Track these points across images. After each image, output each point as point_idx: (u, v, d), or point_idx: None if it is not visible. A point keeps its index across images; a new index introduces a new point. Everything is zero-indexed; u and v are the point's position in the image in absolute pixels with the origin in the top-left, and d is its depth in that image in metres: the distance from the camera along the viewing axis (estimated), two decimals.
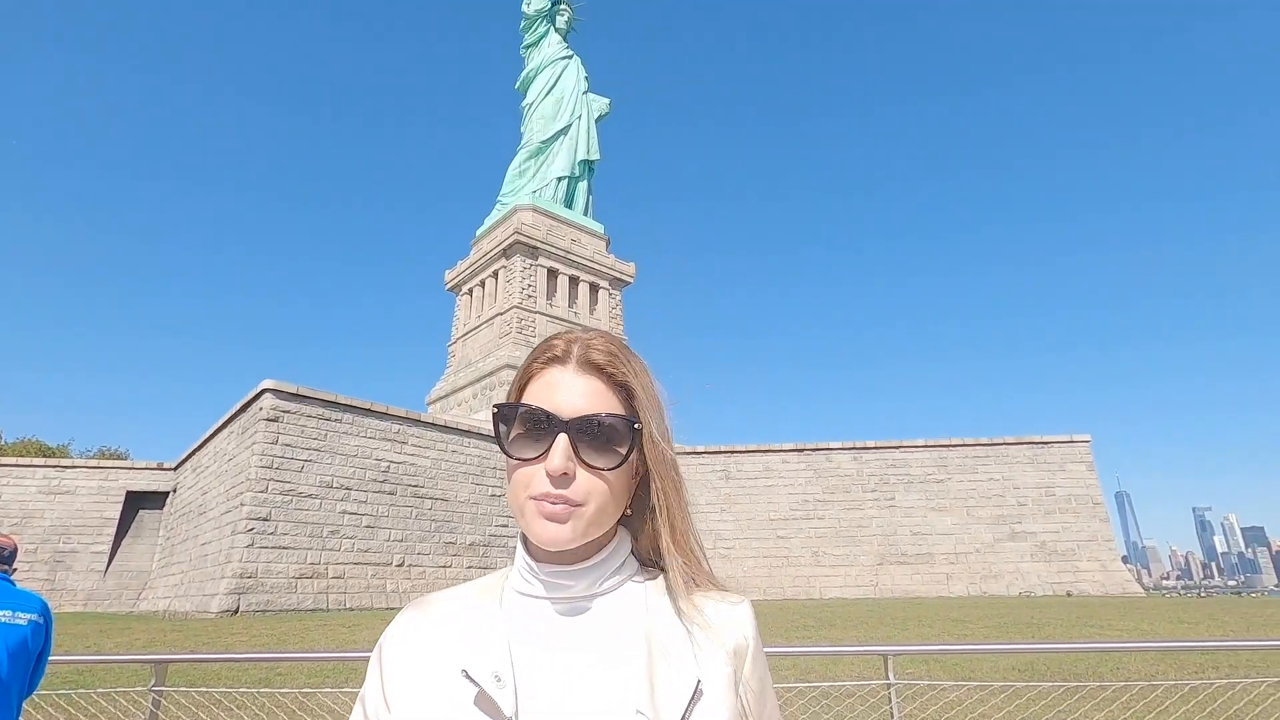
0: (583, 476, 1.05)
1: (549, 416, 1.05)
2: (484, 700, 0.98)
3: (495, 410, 1.10)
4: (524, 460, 1.06)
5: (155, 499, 35.94)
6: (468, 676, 1.00)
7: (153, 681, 4.69)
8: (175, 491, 35.42)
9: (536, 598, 1.10)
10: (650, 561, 1.18)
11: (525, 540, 1.14)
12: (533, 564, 1.11)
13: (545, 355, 1.12)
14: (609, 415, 1.06)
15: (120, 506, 34.67)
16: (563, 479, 1.03)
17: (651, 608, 1.11)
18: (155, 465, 36.54)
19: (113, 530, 34.12)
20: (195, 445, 33.61)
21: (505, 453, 1.08)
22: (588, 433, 1.05)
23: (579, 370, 1.10)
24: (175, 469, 36.30)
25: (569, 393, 1.07)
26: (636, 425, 1.08)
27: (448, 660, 1.04)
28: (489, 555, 31.13)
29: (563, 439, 1.04)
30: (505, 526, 32.37)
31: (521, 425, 1.07)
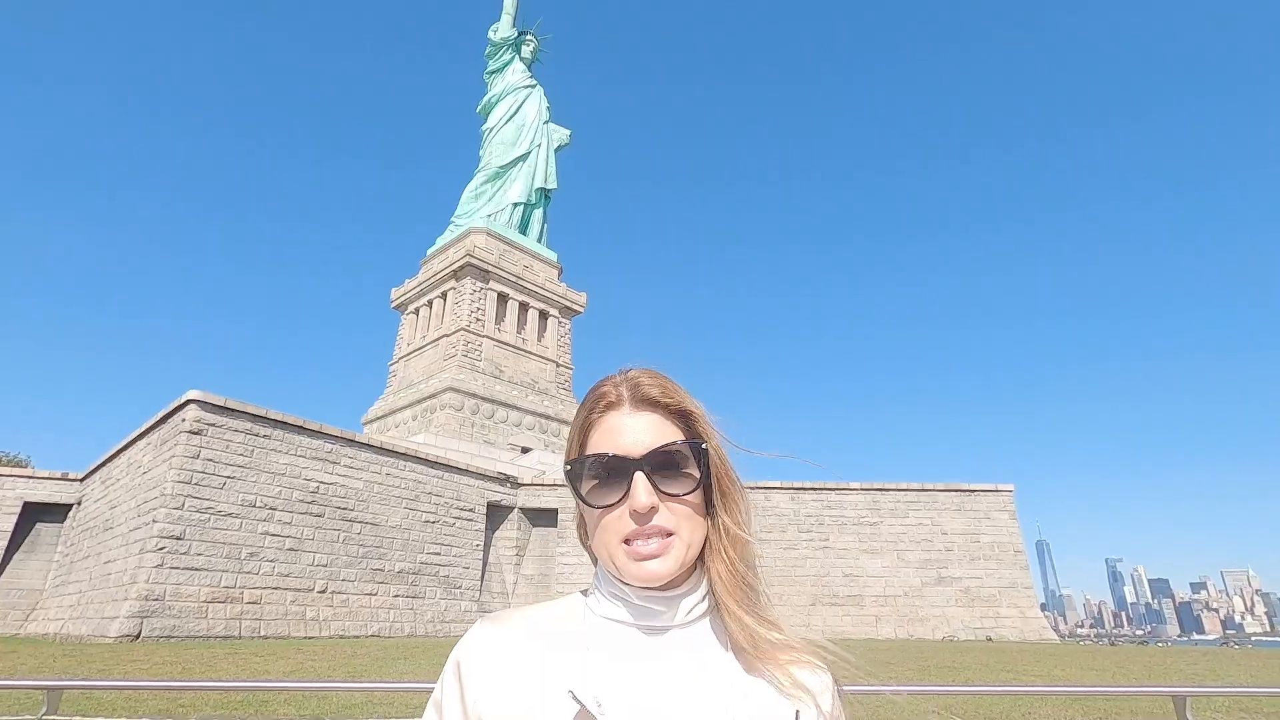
0: (666, 507, 1.09)
1: (621, 459, 1.10)
2: None
3: (567, 467, 1.16)
4: (607, 507, 1.10)
5: (56, 512, 33.37)
6: (574, 697, 1.02)
7: (44, 710, 4.38)
8: (79, 505, 33.01)
9: (625, 624, 1.13)
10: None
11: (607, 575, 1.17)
12: (626, 590, 1.13)
13: (600, 404, 1.18)
14: (678, 443, 1.12)
15: (15, 518, 31.98)
16: (650, 513, 1.08)
17: (734, 645, 1.13)
18: (59, 475, 33.98)
19: (3, 544, 31.42)
20: (106, 456, 31.49)
21: (586, 504, 1.13)
22: (661, 464, 1.10)
23: (635, 409, 1.15)
24: (82, 480, 33.86)
25: (633, 432, 1.13)
26: (703, 445, 1.14)
27: (546, 678, 1.06)
28: (419, 584, 30.07)
29: (640, 476, 1.09)
30: (438, 554, 31.39)
31: (595, 475, 1.12)
